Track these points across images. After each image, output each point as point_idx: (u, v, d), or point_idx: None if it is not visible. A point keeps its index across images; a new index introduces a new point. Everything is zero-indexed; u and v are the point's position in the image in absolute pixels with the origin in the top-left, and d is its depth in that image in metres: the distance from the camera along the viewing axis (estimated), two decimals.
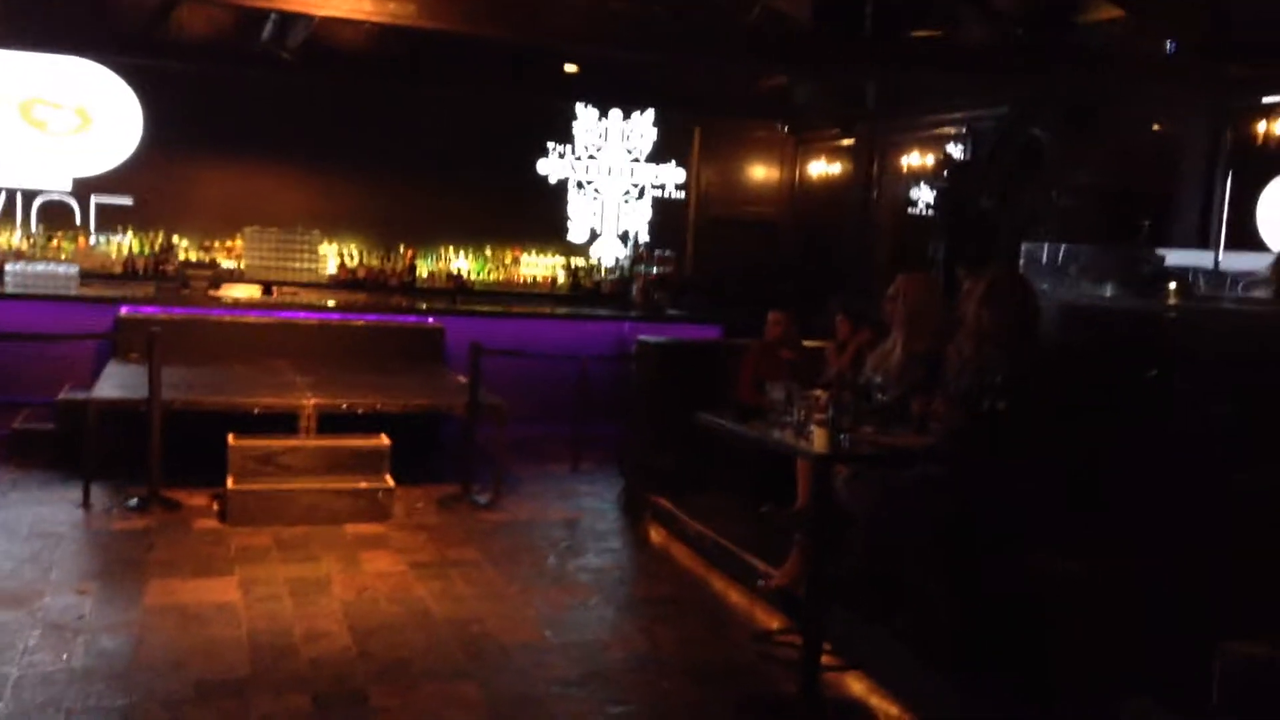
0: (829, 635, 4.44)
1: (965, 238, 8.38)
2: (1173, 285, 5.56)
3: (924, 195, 9.65)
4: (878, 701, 4.37)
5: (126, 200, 9.96)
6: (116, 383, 6.96)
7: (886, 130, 10.41)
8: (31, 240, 9.66)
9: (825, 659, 4.37)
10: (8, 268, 8.83)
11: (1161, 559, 4.03)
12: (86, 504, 6.37)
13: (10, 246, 9.55)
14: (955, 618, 4.34)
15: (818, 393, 4.55)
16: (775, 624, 5.08)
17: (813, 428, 4.30)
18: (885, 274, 9.68)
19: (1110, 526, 4.25)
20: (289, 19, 8.50)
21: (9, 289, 8.59)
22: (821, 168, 11.55)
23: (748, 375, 6.26)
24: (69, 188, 9.86)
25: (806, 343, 6.56)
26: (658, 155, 11.52)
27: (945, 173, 8.92)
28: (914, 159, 9.92)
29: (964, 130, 9.24)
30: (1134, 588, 4.01)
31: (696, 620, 5.19)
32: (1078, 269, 5.92)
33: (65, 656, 4.29)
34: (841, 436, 4.20)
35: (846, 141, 10.95)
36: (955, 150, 9.26)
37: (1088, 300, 5.69)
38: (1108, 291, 5.83)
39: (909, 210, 9.92)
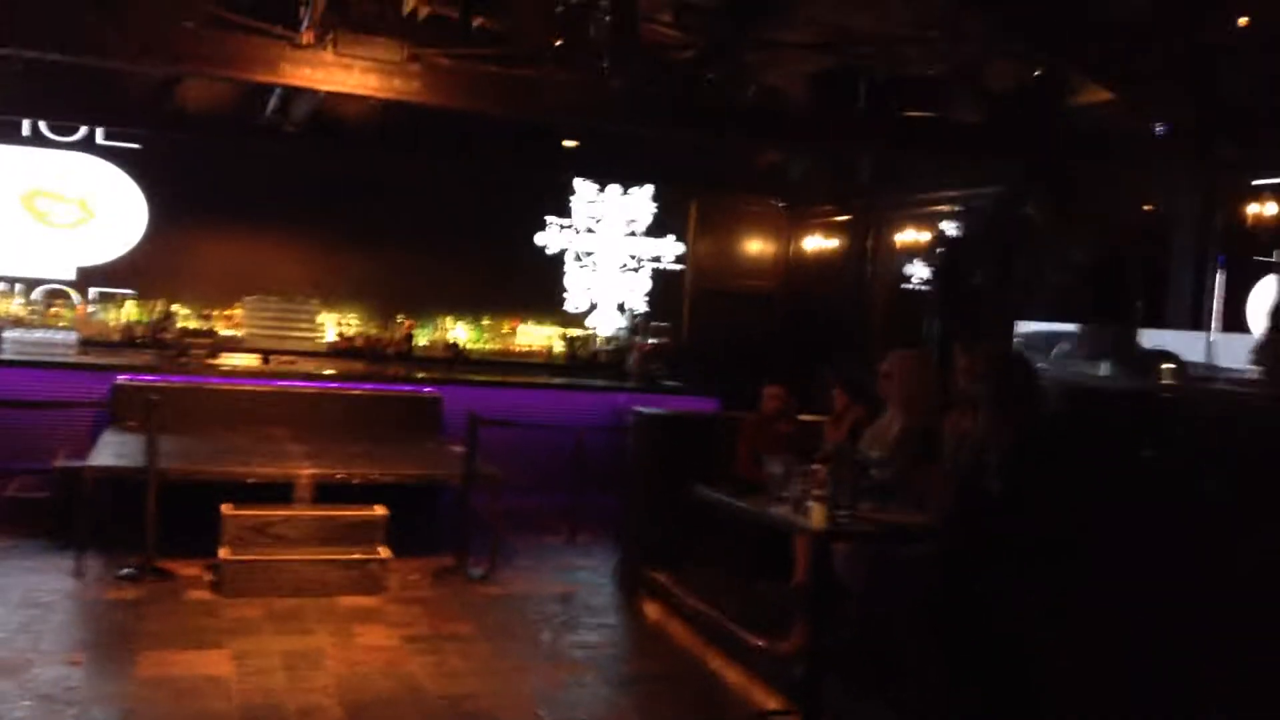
0: (828, 711, 4.40)
1: (960, 314, 8.46)
2: (1167, 366, 5.62)
3: (918, 271, 9.76)
4: None
5: (129, 292, 10.06)
6: (113, 451, 6.95)
7: (881, 206, 10.57)
8: (30, 307, 9.70)
9: None
10: (6, 334, 8.85)
11: (1152, 631, 4.03)
12: (80, 573, 6.33)
13: (8, 313, 9.58)
14: (949, 691, 4.31)
15: (816, 468, 4.57)
16: (773, 704, 5.03)
17: (810, 503, 4.32)
18: (880, 348, 9.76)
19: (1102, 601, 4.25)
20: (293, 93, 8.64)
21: (6, 355, 8.60)
22: (817, 243, 11.68)
23: (745, 449, 6.27)
24: (72, 276, 9.96)
25: (803, 416, 6.58)
26: (655, 228, 11.66)
27: (939, 249, 9.04)
28: (908, 235, 10.05)
29: (958, 207, 9.38)
30: (1126, 660, 4.00)
31: (693, 698, 5.15)
32: (1072, 348, 5.99)
33: None
34: (839, 513, 4.21)
35: (841, 217, 11.10)
36: (949, 227, 9.39)
37: (1082, 379, 5.75)
38: (1102, 370, 5.89)
39: (903, 285, 10.02)
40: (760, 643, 5.34)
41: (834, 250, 11.41)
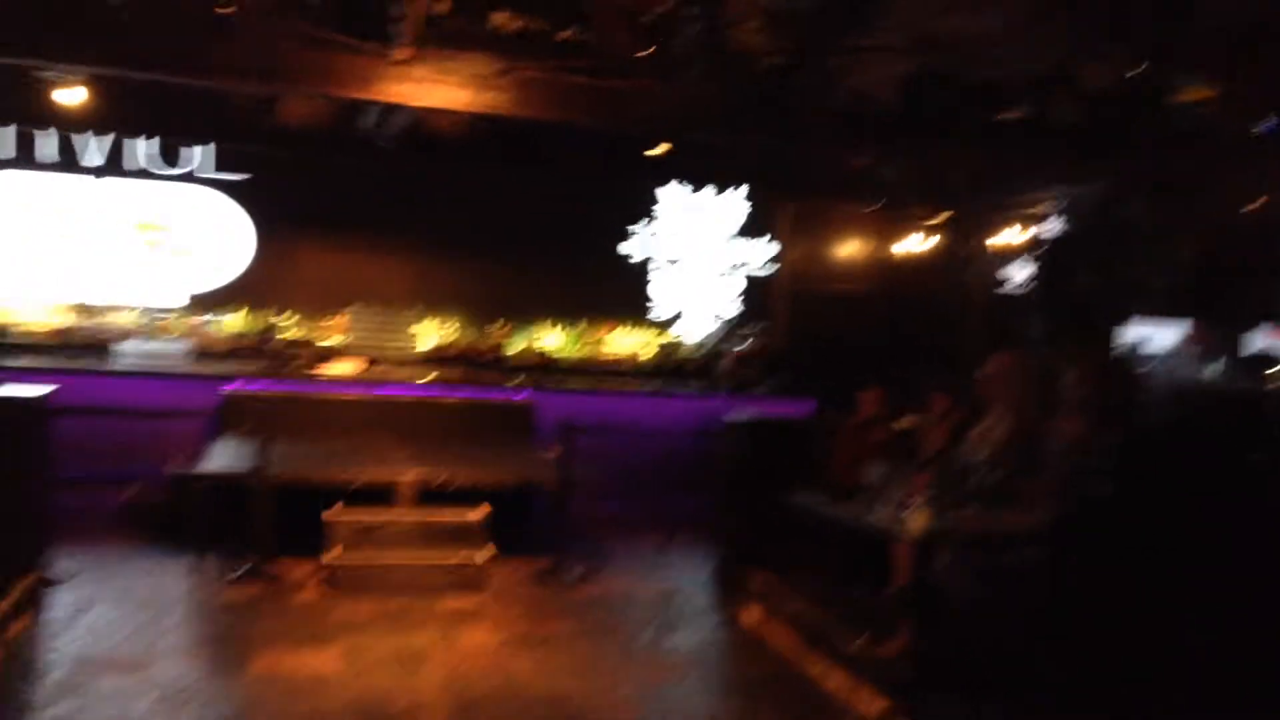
0: (932, 716, 4.36)
1: (1061, 316, 8.31)
2: (1275, 369, 5.45)
3: (1016, 273, 9.59)
4: None
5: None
6: (223, 457, 7.19)
7: (977, 208, 10.41)
8: (143, 319, 10.09)
9: None
10: (123, 345, 9.22)
11: (1266, 636, 3.92)
12: (196, 574, 6.56)
13: (123, 325, 9.97)
14: (1060, 699, 4.24)
15: (916, 472, 4.54)
16: (878, 707, 5.00)
17: (912, 509, 4.29)
18: (979, 350, 9.63)
19: (1214, 605, 4.15)
20: (389, 107, 8.84)
21: (122, 366, 8.96)
22: (912, 245, 11.55)
23: (842, 455, 6.23)
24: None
25: (901, 420, 6.51)
26: (747, 231, 11.64)
27: (1038, 251, 8.88)
28: (1006, 237, 9.88)
29: (1057, 208, 9.20)
30: (1240, 668, 3.89)
31: (795, 702, 5.13)
32: (1178, 349, 5.84)
33: None
34: (941, 518, 4.18)
35: (936, 219, 10.96)
36: (1048, 228, 9.22)
37: (1190, 381, 5.60)
38: (1208, 372, 5.73)
39: (1001, 288, 9.86)
40: (862, 644, 5.32)
41: (930, 252, 11.27)
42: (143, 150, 10.21)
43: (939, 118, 8.38)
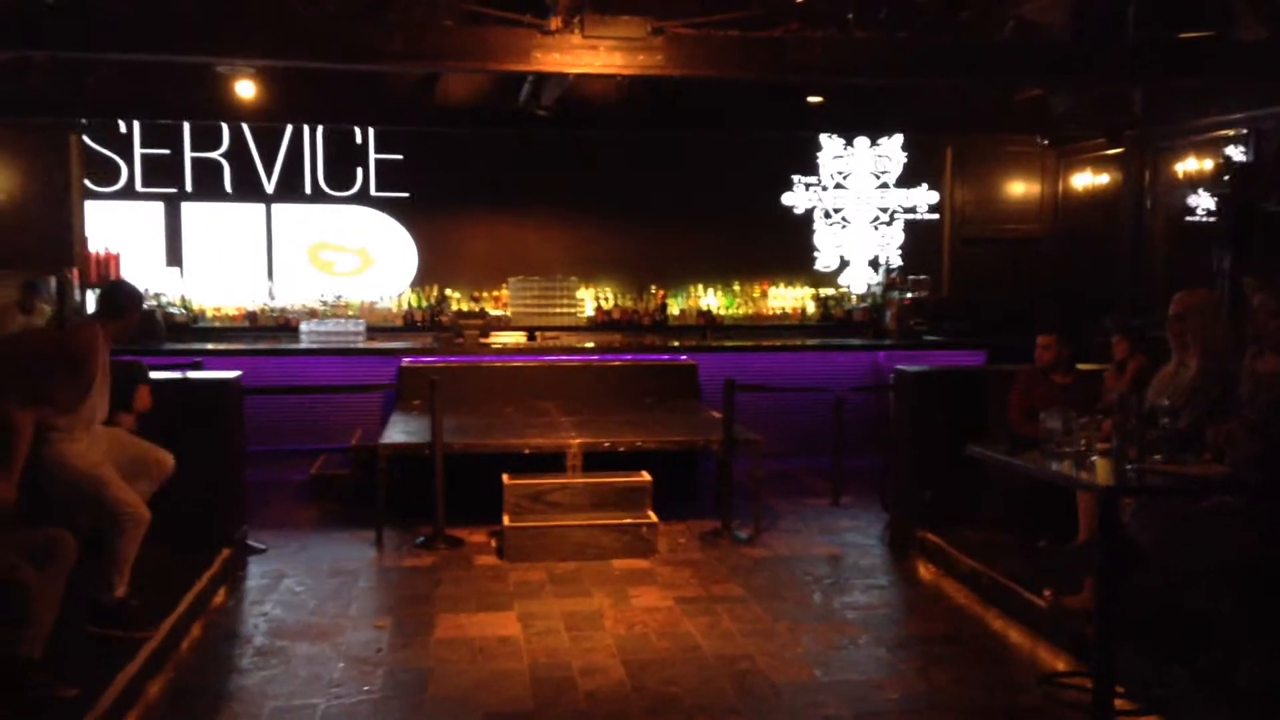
0: (1121, 677, 4.16)
1: (1252, 246, 7.73)
2: None
3: (1203, 202, 8.98)
4: None
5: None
6: (402, 429, 7.46)
7: (1158, 136, 9.77)
8: (323, 299, 10.55)
9: (1119, 703, 4.10)
10: (303, 326, 9.68)
11: None
12: (379, 542, 6.85)
13: (304, 306, 10.46)
14: (1263, 659, 3.99)
15: (1100, 418, 4.32)
16: (1061, 665, 4.82)
17: (1095, 458, 4.08)
18: (1163, 288, 9.11)
19: None
20: (544, 78, 8.91)
21: (304, 344, 9.41)
22: (1087, 180, 10.97)
23: (1018, 403, 6.00)
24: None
25: (1080, 366, 6.22)
26: (907, 178, 11.29)
27: (1226, 177, 8.28)
28: (1190, 165, 9.25)
29: (1245, 131, 8.55)
30: None
31: (974, 660, 4.99)
32: None
33: (366, 688, 4.61)
34: (1128, 467, 3.96)
35: (1113, 150, 10.35)
36: (1236, 153, 8.59)
37: None
38: None
39: (1187, 219, 9.26)
40: (1046, 596, 5.13)
41: (1106, 186, 10.67)
42: (308, 176, 10.66)
43: (1115, 43, 7.85)
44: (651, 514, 6.82)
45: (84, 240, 10.04)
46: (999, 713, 4.42)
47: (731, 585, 6.08)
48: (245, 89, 9.40)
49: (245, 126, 10.50)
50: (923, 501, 6.76)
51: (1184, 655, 4.27)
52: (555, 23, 7.44)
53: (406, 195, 10.79)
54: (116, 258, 10.05)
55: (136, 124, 10.35)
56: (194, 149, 10.51)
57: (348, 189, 10.76)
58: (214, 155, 10.54)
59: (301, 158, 10.67)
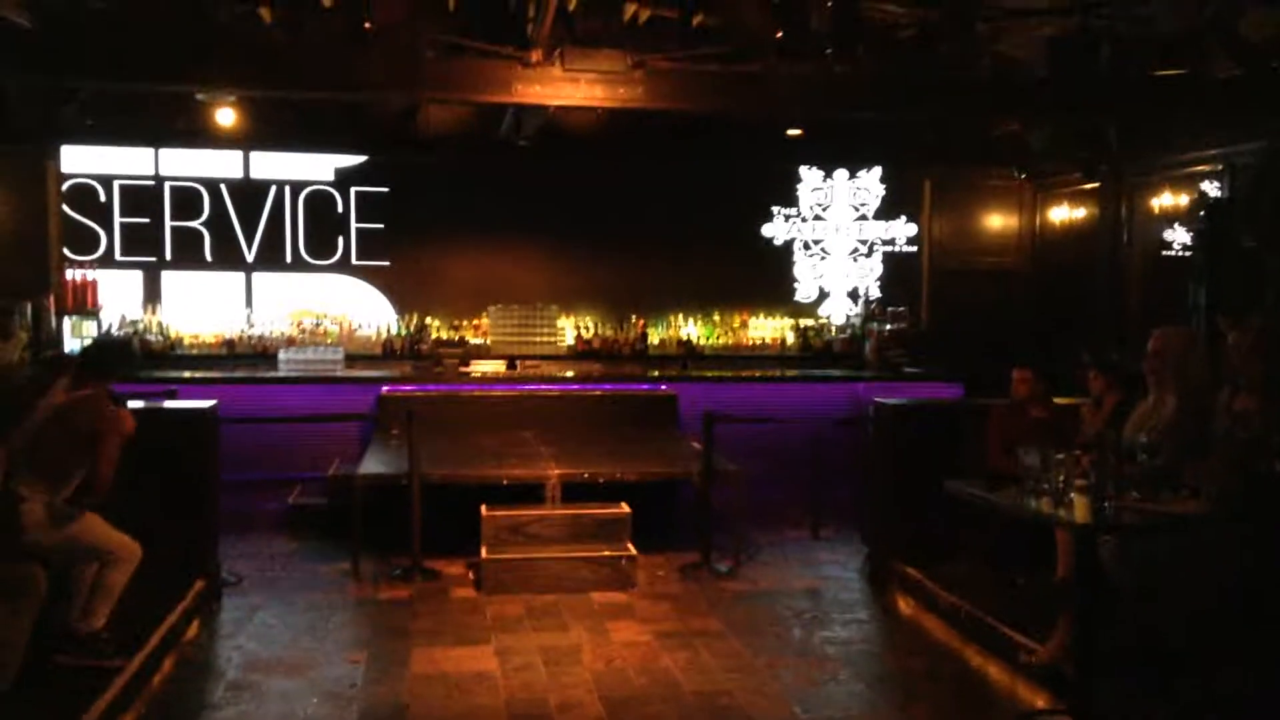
0: (1100, 713, 4.16)
1: (1228, 282, 7.81)
2: None
3: (1179, 237, 9.07)
4: None
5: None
6: (380, 459, 7.42)
7: (1134, 171, 9.88)
8: (300, 328, 10.49)
9: None
10: (281, 354, 9.62)
11: None
12: (356, 574, 6.80)
13: (282, 334, 10.40)
14: (1245, 691, 3.99)
15: (1078, 455, 4.33)
16: (1041, 702, 4.81)
17: (1073, 495, 4.09)
18: (1139, 322, 9.18)
19: None
20: (525, 110, 8.95)
21: (282, 373, 9.34)
22: (1064, 213, 11.07)
23: (996, 438, 6.02)
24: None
25: (1057, 400, 6.25)
26: (886, 210, 11.36)
27: (1202, 212, 8.37)
28: (1166, 200, 9.36)
29: (1220, 167, 8.65)
30: None
31: (954, 697, 4.98)
32: None
33: None
34: (1105, 504, 3.97)
35: (1090, 185, 10.46)
36: (1211, 188, 8.69)
37: None
38: None
39: (1163, 253, 9.35)
40: (1023, 641, 5.13)
41: (1083, 220, 10.77)
42: (289, 244, 10.63)
43: (1091, 79, 7.95)
44: (630, 546, 6.79)
45: (61, 267, 9.97)
46: None
47: (711, 620, 6.05)
48: (225, 117, 9.39)
49: (226, 194, 10.47)
50: (901, 535, 6.76)
51: (1163, 690, 4.27)
52: (536, 55, 7.49)
53: (387, 264, 10.78)
54: (94, 284, 9.97)
55: (117, 192, 10.29)
56: (174, 218, 10.46)
57: (329, 258, 10.74)
58: (194, 224, 10.50)
59: (282, 227, 10.63)
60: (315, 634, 5.72)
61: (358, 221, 10.76)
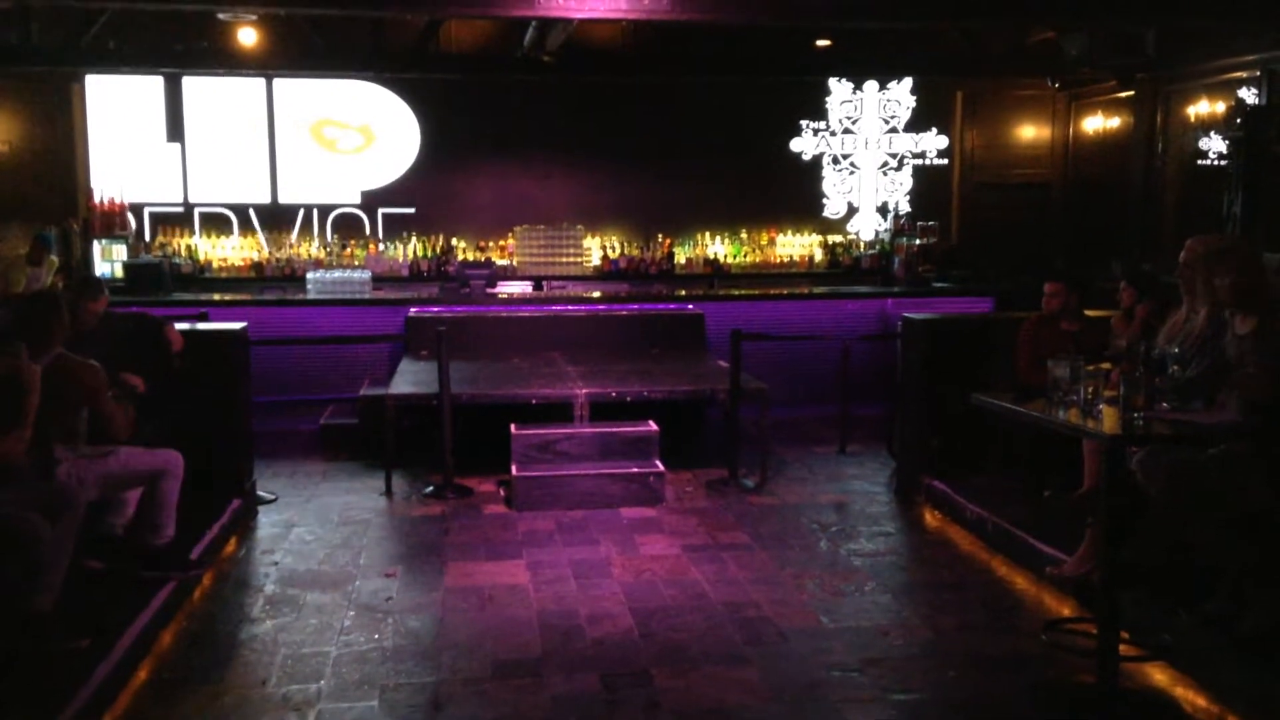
0: (1127, 623, 4.19)
1: (1264, 191, 7.65)
2: None
3: (1215, 145, 8.88)
4: (1184, 692, 4.09)
5: (409, 210, 10.67)
6: (409, 379, 7.48)
7: (1170, 78, 9.65)
8: (328, 249, 10.52)
9: (1124, 648, 4.13)
10: (309, 276, 9.66)
11: None
12: (389, 492, 6.90)
13: (310, 256, 10.44)
14: (1269, 606, 4.00)
15: (1106, 367, 4.29)
16: (1066, 611, 4.85)
17: (1102, 406, 4.06)
18: (1174, 233, 9.04)
19: None
20: (548, 24, 8.81)
21: (311, 295, 9.39)
22: (1098, 123, 10.85)
23: (1026, 351, 5.98)
24: (357, 200, 10.65)
25: (1089, 313, 6.19)
26: (917, 123, 11.16)
27: (1239, 120, 8.17)
28: (1202, 107, 9.14)
29: (1258, 73, 8.43)
30: None
31: (980, 607, 5.03)
32: None
33: (377, 636, 4.66)
34: (1135, 415, 3.94)
35: (1125, 94, 10.23)
36: (1249, 95, 8.47)
37: None
38: None
39: (1198, 163, 9.16)
40: (1050, 552, 5.15)
41: (1117, 130, 10.55)
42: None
43: None
44: (658, 463, 6.84)
45: (89, 191, 10.01)
46: (1005, 657, 4.45)
47: (738, 533, 6.12)
48: (247, 36, 9.32)
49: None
50: (929, 449, 6.77)
51: (1189, 603, 4.29)
52: None
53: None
54: (122, 208, 10.00)
55: None
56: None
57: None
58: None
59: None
60: (350, 549, 5.83)
61: None
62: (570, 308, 9.17)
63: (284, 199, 10.58)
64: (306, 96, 10.53)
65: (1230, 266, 4.32)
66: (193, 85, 10.31)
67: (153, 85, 10.24)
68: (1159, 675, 4.21)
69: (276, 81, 10.42)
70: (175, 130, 10.34)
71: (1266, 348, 4.19)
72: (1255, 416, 4.07)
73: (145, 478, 4.95)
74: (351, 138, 10.64)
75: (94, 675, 3.91)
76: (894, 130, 11.19)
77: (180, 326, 6.08)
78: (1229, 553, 4.14)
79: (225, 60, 9.96)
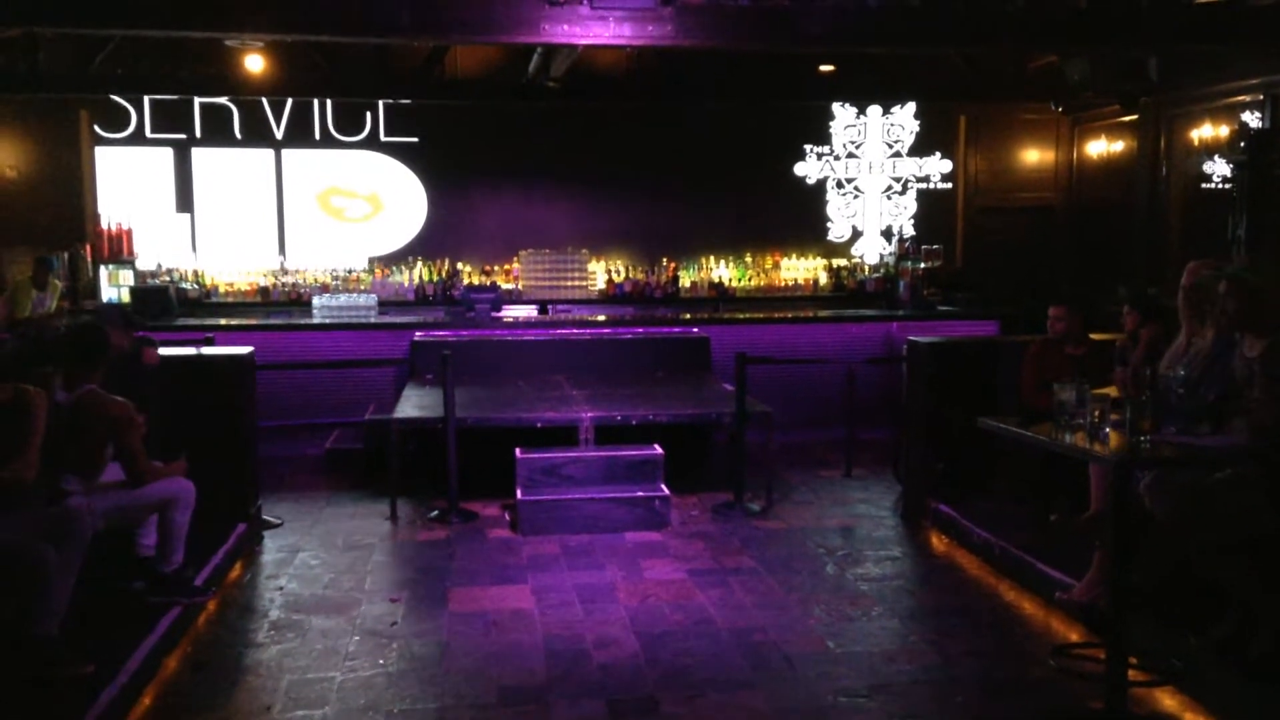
0: (1135, 648, 4.16)
1: (1268, 214, 7.67)
2: None
3: (1219, 169, 8.90)
4: (1193, 718, 4.07)
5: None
6: (415, 403, 7.48)
7: (1173, 102, 9.68)
8: (333, 273, 10.56)
9: (1132, 673, 4.10)
10: (315, 300, 9.70)
11: None
12: (394, 516, 6.89)
13: (316, 281, 10.48)
14: (1277, 630, 3.98)
15: (1111, 391, 4.29)
16: (1075, 636, 4.83)
17: (1108, 430, 4.06)
18: (1178, 256, 9.05)
19: None
20: (553, 50, 8.87)
21: (317, 319, 9.42)
22: (1102, 147, 10.89)
23: (1031, 375, 5.98)
24: (365, 266, 10.72)
25: (1093, 336, 6.19)
26: (920, 147, 11.22)
27: (1242, 143, 8.19)
28: (1206, 131, 9.18)
29: (1261, 97, 8.46)
30: None
31: (988, 632, 5.00)
32: None
33: (381, 662, 4.64)
34: (1142, 439, 3.93)
35: (1129, 118, 10.27)
36: (1252, 119, 8.50)
37: None
38: None
39: (1202, 186, 9.18)
40: (1058, 577, 5.13)
41: (1121, 154, 10.59)
42: (317, 121, 10.60)
43: (1130, 10, 7.76)
44: (664, 487, 6.83)
45: (96, 216, 10.06)
46: (1012, 683, 4.43)
47: (744, 557, 6.10)
48: (254, 63, 9.39)
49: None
50: (935, 473, 6.76)
51: (1198, 627, 4.26)
52: None
53: (416, 140, 10.72)
54: (129, 233, 10.06)
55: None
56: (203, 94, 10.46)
57: (357, 134, 10.69)
58: (223, 100, 10.46)
59: (310, 102, 10.58)
60: (355, 574, 5.82)
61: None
62: (575, 331, 9.18)
63: (291, 264, 10.69)
64: (314, 166, 10.70)
65: (1239, 288, 4.31)
66: (202, 156, 10.55)
67: (162, 156, 10.49)
68: (1168, 700, 4.18)
69: (285, 151, 10.64)
70: (185, 201, 10.49)
71: (1273, 369, 4.18)
72: (1262, 440, 4.06)
73: (157, 507, 4.96)
74: (359, 206, 10.76)
75: (98, 701, 3.89)
76: (898, 154, 11.24)
77: (184, 351, 6.09)
78: (1237, 576, 4.11)
79: (232, 86, 10.04)
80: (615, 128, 10.78)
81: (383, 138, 10.73)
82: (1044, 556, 5.39)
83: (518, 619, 5.14)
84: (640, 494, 6.73)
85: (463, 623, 5.09)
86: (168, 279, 10.07)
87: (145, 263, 10.21)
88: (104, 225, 10.03)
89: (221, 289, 10.40)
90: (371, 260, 10.77)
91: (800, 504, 7.26)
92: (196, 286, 10.22)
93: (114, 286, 9.88)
